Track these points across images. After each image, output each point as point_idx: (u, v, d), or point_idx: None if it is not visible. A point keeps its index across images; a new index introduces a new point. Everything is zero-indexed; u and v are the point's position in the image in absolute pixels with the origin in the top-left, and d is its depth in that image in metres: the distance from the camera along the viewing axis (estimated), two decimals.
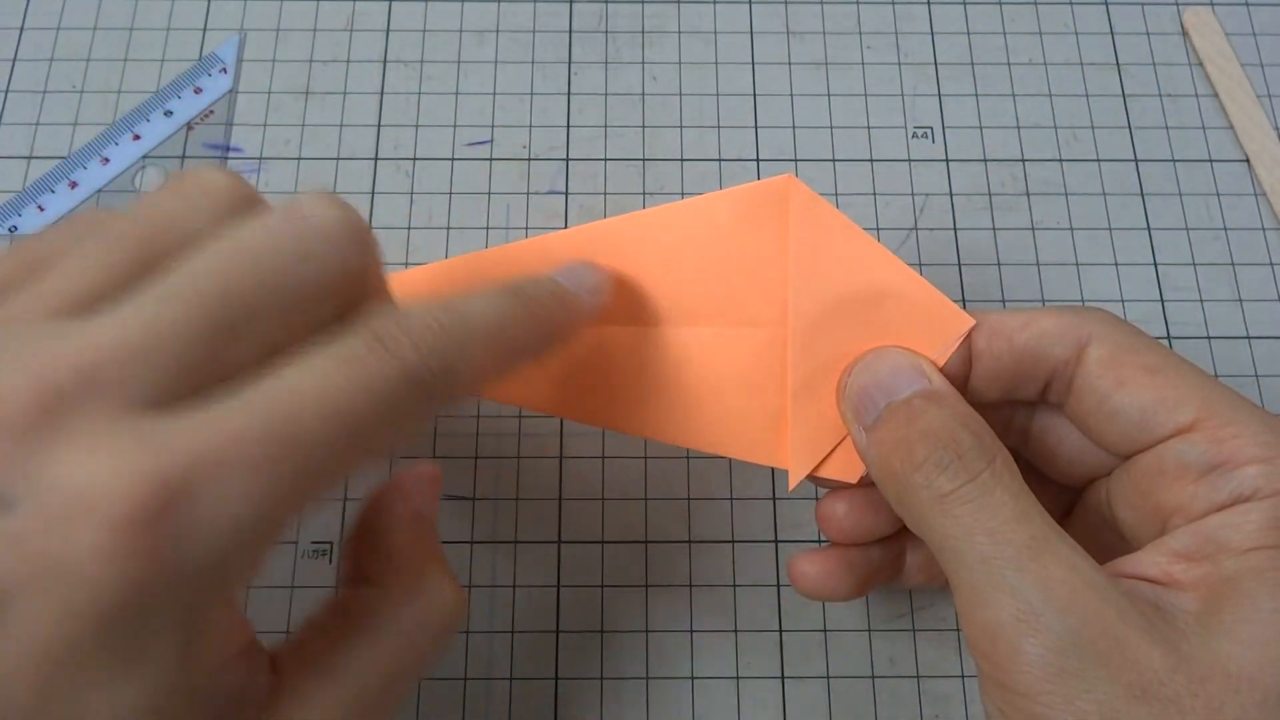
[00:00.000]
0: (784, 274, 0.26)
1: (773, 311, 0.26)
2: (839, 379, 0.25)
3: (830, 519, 0.26)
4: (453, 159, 0.35)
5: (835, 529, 0.26)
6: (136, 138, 0.35)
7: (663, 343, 0.27)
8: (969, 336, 0.25)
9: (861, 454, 0.24)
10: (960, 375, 0.25)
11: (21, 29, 0.37)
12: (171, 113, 0.35)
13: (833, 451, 0.25)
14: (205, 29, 0.37)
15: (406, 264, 0.34)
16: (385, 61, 0.37)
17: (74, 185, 0.34)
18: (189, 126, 0.35)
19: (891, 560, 0.27)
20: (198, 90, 0.35)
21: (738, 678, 0.30)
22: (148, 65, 0.36)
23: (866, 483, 0.26)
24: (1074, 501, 0.27)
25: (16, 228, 0.34)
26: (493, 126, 0.36)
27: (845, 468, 0.25)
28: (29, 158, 0.35)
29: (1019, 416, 0.26)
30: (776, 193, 0.26)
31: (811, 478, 0.26)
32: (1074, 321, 0.24)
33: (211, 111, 0.36)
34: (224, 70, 0.36)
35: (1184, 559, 0.21)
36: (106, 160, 0.35)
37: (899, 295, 0.25)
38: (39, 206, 0.34)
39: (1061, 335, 0.24)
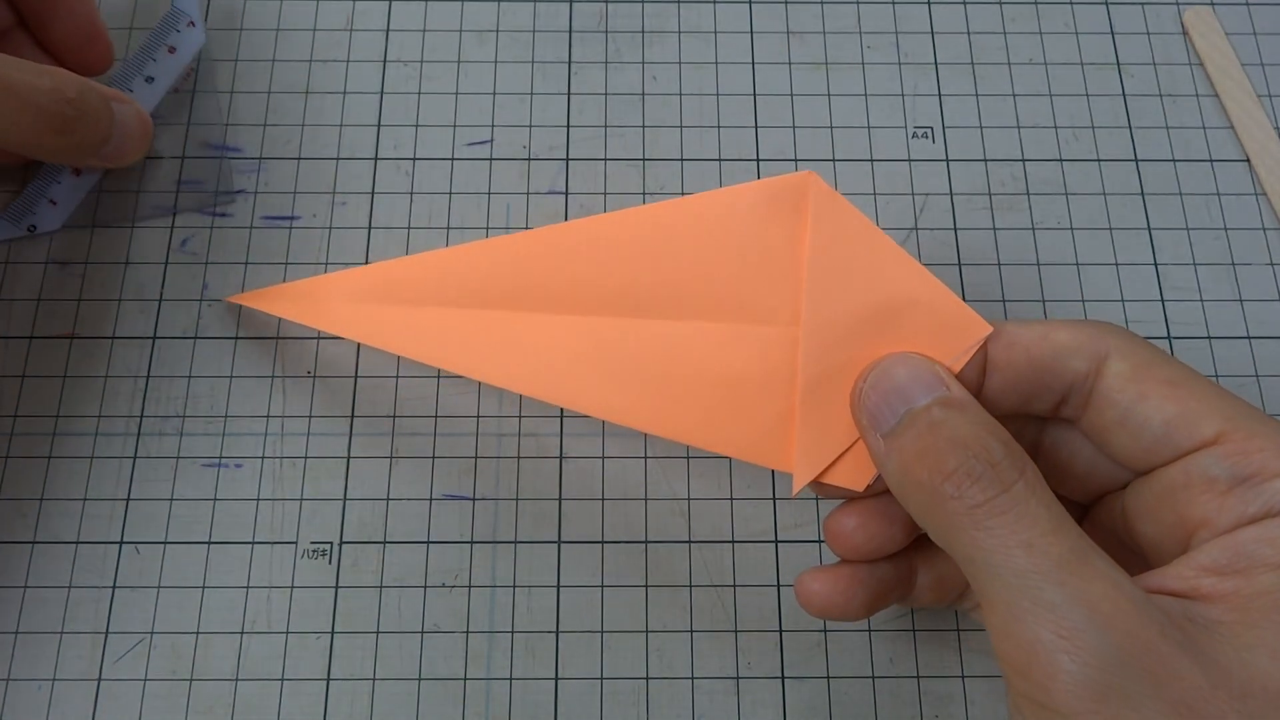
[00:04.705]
0: (799, 272, 0.25)
1: (785, 310, 0.26)
2: (853, 384, 0.25)
3: (839, 534, 0.26)
4: (453, 159, 0.35)
5: (845, 544, 0.26)
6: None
7: (671, 337, 0.26)
8: (984, 346, 0.24)
9: (879, 463, 0.24)
10: (974, 384, 0.24)
11: None
12: (153, 79, 0.34)
13: (840, 458, 0.25)
14: None
15: None
16: (385, 61, 0.37)
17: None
18: (175, 90, 0.35)
19: (902, 578, 0.26)
20: (171, 50, 0.35)
21: (738, 678, 0.30)
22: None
23: (873, 492, 0.25)
24: (1081, 517, 0.26)
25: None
26: (493, 126, 0.36)
27: (852, 475, 0.25)
28: None
29: (1029, 430, 0.26)
30: (796, 189, 0.26)
31: (815, 484, 0.25)
32: (1092, 335, 0.23)
33: (193, 70, 0.35)
34: (191, 24, 0.35)
35: (1214, 573, 0.21)
36: None
37: (915, 298, 0.25)
38: (51, 200, 0.34)
39: (1080, 349, 0.23)
